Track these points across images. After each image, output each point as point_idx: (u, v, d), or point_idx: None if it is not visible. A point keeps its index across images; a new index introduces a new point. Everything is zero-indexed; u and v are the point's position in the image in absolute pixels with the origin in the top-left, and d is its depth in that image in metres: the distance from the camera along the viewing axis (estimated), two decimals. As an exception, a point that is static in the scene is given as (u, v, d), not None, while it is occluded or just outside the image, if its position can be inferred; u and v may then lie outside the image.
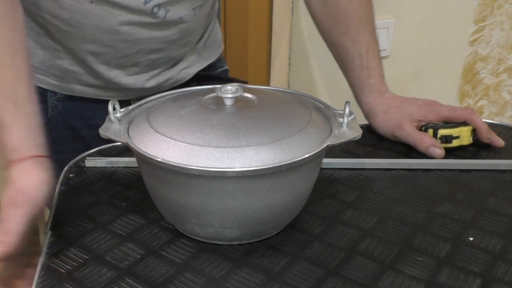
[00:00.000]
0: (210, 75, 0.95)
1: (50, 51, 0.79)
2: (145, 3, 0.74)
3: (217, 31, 0.96)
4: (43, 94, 0.83)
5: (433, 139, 0.77)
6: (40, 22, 0.77)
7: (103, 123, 0.58)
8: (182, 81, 0.89)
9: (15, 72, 0.61)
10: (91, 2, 0.72)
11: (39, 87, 0.82)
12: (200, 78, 0.92)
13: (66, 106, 0.85)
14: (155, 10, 0.75)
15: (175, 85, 0.88)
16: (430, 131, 0.78)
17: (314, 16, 0.86)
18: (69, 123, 0.86)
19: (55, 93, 0.84)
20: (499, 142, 0.79)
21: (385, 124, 0.80)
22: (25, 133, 0.58)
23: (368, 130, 0.83)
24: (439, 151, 0.75)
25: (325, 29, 0.85)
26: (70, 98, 0.84)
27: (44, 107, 0.83)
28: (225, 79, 0.95)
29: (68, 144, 0.85)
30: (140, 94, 0.86)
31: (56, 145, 0.85)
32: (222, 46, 0.99)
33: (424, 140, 0.76)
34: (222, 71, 0.99)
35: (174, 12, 0.77)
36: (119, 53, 0.79)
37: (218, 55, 0.97)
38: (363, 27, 0.81)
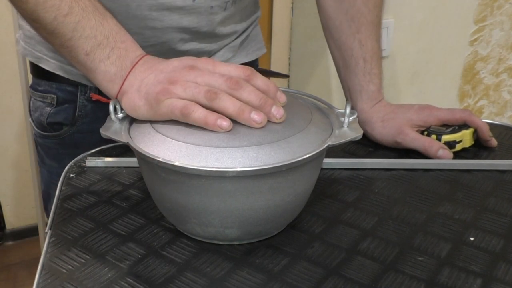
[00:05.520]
0: None
1: None
2: None
3: (258, 34, 0.93)
4: (73, 93, 0.81)
5: (438, 141, 0.77)
6: None
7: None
8: None
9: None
10: None
11: (68, 85, 0.81)
12: None
13: (95, 106, 0.82)
14: None
15: None
16: (433, 136, 0.77)
17: (325, 12, 0.83)
18: (94, 127, 0.74)
19: (85, 92, 0.81)
20: (494, 142, 0.80)
21: (384, 132, 0.79)
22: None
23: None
24: (448, 152, 0.75)
25: (334, 27, 0.82)
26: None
27: (72, 106, 0.82)
28: (263, 71, 0.91)
29: (85, 150, 0.77)
30: None
31: (73, 149, 0.79)
32: (264, 50, 0.95)
33: (433, 144, 0.76)
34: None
35: None
36: (146, 42, 0.74)
37: (257, 57, 0.93)
38: (372, 31, 0.79)
